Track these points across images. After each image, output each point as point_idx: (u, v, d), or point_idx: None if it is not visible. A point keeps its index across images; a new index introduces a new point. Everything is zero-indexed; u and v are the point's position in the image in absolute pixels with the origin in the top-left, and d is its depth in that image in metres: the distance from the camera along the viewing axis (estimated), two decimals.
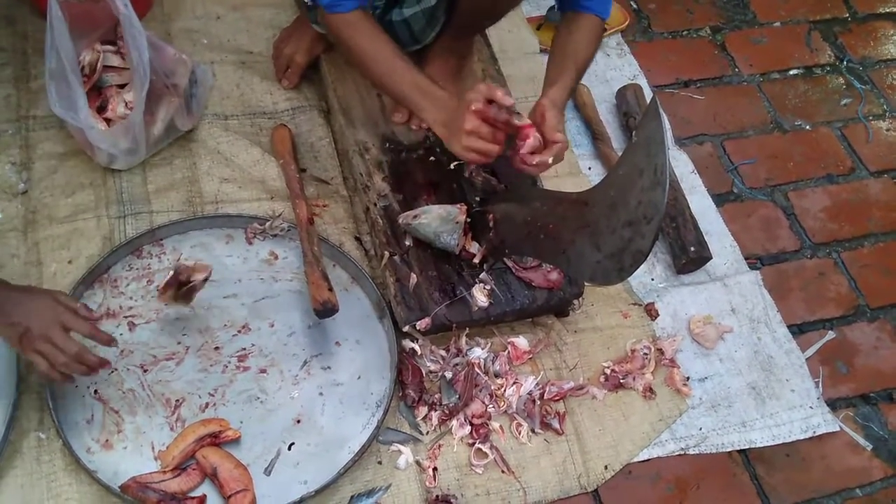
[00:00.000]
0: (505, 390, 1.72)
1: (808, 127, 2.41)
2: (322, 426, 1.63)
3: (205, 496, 1.50)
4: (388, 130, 1.92)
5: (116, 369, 1.61)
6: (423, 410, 1.68)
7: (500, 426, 1.70)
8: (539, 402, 1.72)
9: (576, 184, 2.04)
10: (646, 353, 1.83)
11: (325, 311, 1.66)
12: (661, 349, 1.85)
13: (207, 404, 1.61)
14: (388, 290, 1.73)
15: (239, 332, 1.70)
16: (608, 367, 1.80)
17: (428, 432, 1.68)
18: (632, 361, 1.82)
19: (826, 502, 1.78)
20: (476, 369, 1.72)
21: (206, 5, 2.18)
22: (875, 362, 1.99)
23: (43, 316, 1.40)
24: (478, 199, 1.81)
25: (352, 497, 1.57)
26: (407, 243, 1.75)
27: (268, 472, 1.56)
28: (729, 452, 1.79)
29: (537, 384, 1.74)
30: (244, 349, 1.68)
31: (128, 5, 1.63)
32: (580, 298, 1.82)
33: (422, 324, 1.66)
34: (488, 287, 1.72)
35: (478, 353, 1.74)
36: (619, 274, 1.41)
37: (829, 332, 2.01)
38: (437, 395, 1.69)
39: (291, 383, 1.66)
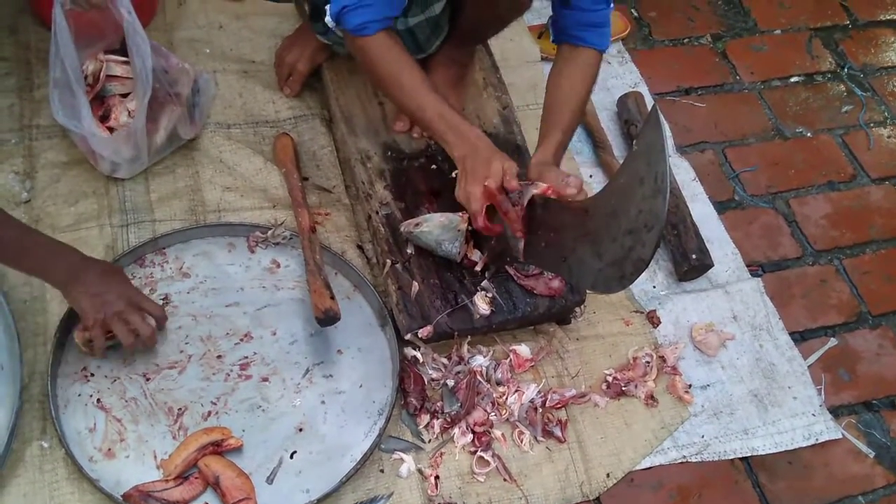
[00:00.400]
0: (507, 398, 1.72)
1: (809, 134, 2.41)
2: (324, 434, 1.63)
3: None
4: (389, 139, 1.93)
5: (119, 378, 1.61)
6: (425, 418, 1.69)
7: (502, 434, 1.70)
8: (541, 410, 1.72)
9: None
10: (648, 361, 1.83)
11: (327, 319, 1.66)
12: (662, 357, 1.85)
13: (210, 413, 1.61)
14: (390, 298, 1.73)
15: (241, 340, 1.70)
16: (610, 375, 1.80)
17: (430, 440, 1.68)
18: (634, 369, 1.82)
19: None
20: (478, 377, 1.72)
21: (209, 15, 2.19)
22: (877, 369, 1.98)
23: (123, 295, 1.53)
24: None
25: None
26: (409, 251, 1.76)
27: (270, 480, 1.56)
28: (731, 460, 1.78)
29: (539, 392, 1.74)
30: (246, 357, 1.68)
31: (132, 12, 1.64)
32: (582, 306, 1.82)
33: (424, 332, 1.66)
34: (490, 295, 1.73)
35: (480, 361, 1.74)
36: (620, 282, 1.41)
37: (831, 339, 2.01)
38: (439, 403, 1.70)
39: (293, 391, 1.66)
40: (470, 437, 1.68)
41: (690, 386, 1.84)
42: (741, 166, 2.29)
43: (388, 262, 1.74)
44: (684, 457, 1.76)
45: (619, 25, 2.44)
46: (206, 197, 1.87)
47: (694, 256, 1.97)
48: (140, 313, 1.55)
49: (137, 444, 1.55)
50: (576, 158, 2.16)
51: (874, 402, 1.94)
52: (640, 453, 1.74)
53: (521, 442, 1.70)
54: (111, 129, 1.79)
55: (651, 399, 1.79)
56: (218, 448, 1.54)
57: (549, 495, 1.66)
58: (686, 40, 2.57)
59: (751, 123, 2.40)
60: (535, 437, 1.71)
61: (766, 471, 1.79)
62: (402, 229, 1.75)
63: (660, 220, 1.28)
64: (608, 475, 1.70)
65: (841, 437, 1.85)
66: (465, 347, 1.75)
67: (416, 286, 1.71)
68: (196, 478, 1.52)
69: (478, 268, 1.75)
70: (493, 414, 1.71)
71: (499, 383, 1.75)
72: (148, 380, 1.62)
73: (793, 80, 2.54)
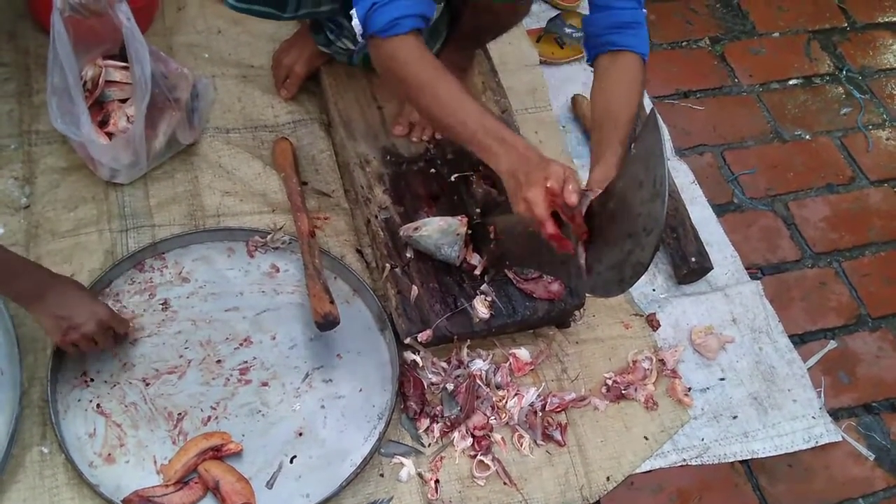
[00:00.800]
0: (506, 402, 1.72)
1: (807, 137, 2.41)
2: (324, 439, 1.63)
3: None
4: (388, 143, 1.93)
5: (119, 383, 1.61)
6: (424, 422, 1.69)
7: (502, 438, 1.70)
8: (541, 414, 1.72)
9: None
10: (647, 364, 1.83)
11: (327, 323, 1.67)
12: (662, 360, 1.85)
13: (209, 418, 1.61)
14: (390, 302, 1.73)
15: (241, 345, 1.70)
16: (610, 378, 1.80)
17: (430, 444, 1.68)
18: (633, 372, 1.82)
19: None
20: (477, 381, 1.72)
21: (208, 19, 2.19)
22: (877, 371, 1.98)
23: (92, 319, 1.51)
24: (478, 210, 1.82)
25: None
26: (408, 255, 1.76)
27: (270, 485, 1.56)
28: (731, 463, 1.78)
29: (539, 395, 1.74)
30: (246, 362, 1.69)
31: (130, 18, 1.64)
32: (581, 309, 1.82)
33: (423, 336, 1.66)
34: (489, 299, 1.73)
35: (479, 365, 1.74)
36: (619, 286, 1.41)
37: (831, 341, 2.01)
38: (438, 408, 1.70)
39: (293, 396, 1.66)
40: (470, 440, 1.68)
41: (690, 389, 1.84)
42: (740, 169, 2.29)
43: (388, 266, 1.74)
44: (684, 460, 1.76)
45: None
46: (205, 202, 1.87)
47: (693, 259, 1.97)
48: (107, 333, 1.55)
49: (137, 450, 1.55)
50: (575, 161, 2.16)
51: (874, 404, 1.94)
52: (639, 456, 1.74)
53: (521, 446, 1.70)
54: (110, 135, 1.79)
55: (651, 402, 1.79)
56: (218, 453, 1.55)
57: (549, 499, 1.66)
58: (684, 43, 2.57)
59: (749, 126, 2.40)
60: (535, 441, 1.71)
61: (766, 474, 1.79)
62: (401, 233, 1.75)
63: (659, 224, 1.28)
64: (608, 478, 1.70)
65: (841, 439, 1.85)
66: (465, 351, 1.75)
67: (415, 290, 1.71)
68: (196, 483, 1.52)
69: (477, 271, 1.75)
70: (492, 418, 1.71)
71: (498, 387, 1.75)
72: (147, 385, 1.62)
73: (791, 82, 2.54)
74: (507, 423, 1.72)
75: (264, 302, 1.77)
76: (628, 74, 1.57)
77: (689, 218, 2.05)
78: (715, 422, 1.81)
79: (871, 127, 2.47)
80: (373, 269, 1.85)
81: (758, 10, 2.69)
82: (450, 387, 1.71)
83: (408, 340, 1.68)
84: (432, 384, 1.72)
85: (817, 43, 2.66)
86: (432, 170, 1.89)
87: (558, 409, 1.74)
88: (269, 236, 1.82)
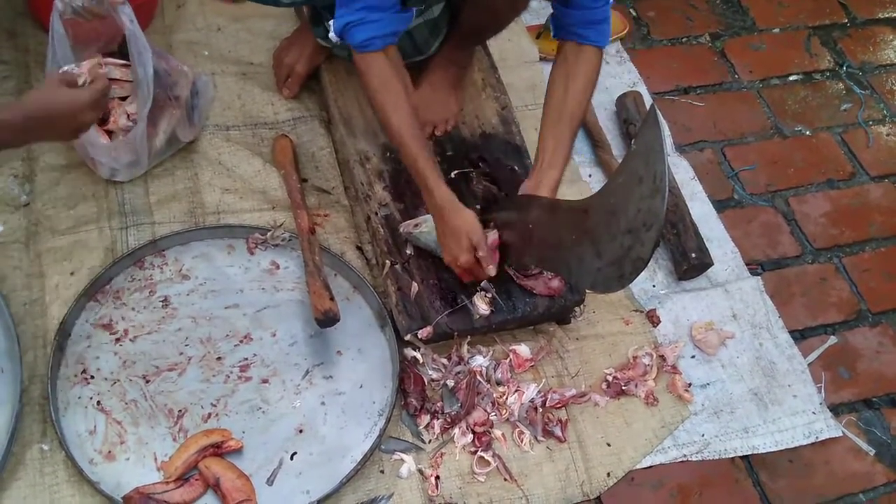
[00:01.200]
0: (507, 398, 1.72)
1: (808, 132, 2.41)
2: (324, 435, 1.63)
3: None
4: (388, 140, 1.93)
5: (119, 380, 1.62)
6: (425, 419, 1.69)
7: (503, 434, 1.70)
8: (541, 410, 1.72)
9: (576, 191, 2.05)
10: (648, 360, 1.83)
11: (327, 320, 1.67)
12: (662, 356, 1.85)
13: (210, 415, 1.61)
14: (390, 298, 1.73)
15: (241, 342, 1.71)
16: (610, 374, 1.80)
17: (430, 441, 1.68)
18: (634, 368, 1.82)
19: None
20: (478, 377, 1.72)
21: (207, 17, 2.19)
22: (877, 367, 1.98)
23: (49, 93, 1.44)
24: (478, 207, 1.81)
25: None
26: (408, 252, 1.76)
27: (270, 481, 1.56)
28: (731, 459, 1.78)
29: (539, 392, 1.74)
30: (246, 359, 1.69)
31: (134, 21, 1.64)
32: (581, 306, 1.82)
33: (423, 332, 1.66)
34: (489, 295, 1.73)
35: (479, 361, 1.74)
36: (619, 281, 1.41)
37: (831, 337, 2.01)
38: (439, 404, 1.70)
39: (293, 393, 1.66)
40: (470, 437, 1.68)
41: (690, 385, 1.84)
42: (740, 165, 2.29)
43: (388, 262, 1.74)
44: (685, 455, 1.76)
45: (618, 25, 2.44)
46: (205, 199, 1.87)
47: (693, 255, 1.97)
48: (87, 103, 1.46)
49: (138, 447, 1.56)
50: (575, 158, 2.16)
51: (874, 399, 1.94)
52: (640, 452, 1.74)
53: (522, 442, 1.70)
54: (110, 133, 1.78)
55: (651, 398, 1.79)
56: (218, 450, 1.55)
57: (550, 495, 1.66)
58: (685, 39, 2.57)
59: (750, 122, 2.40)
60: (536, 437, 1.71)
61: (766, 469, 1.79)
62: (401, 230, 1.75)
63: (659, 219, 1.28)
64: (609, 474, 1.70)
65: (841, 435, 1.85)
66: (465, 347, 1.75)
67: (415, 287, 1.71)
68: (196, 479, 1.52)
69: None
70: (493, 414, 1.71)
71: (499, 383, 1.75)
72: (148, 382, 1.63)
73: (791, 78, 2.54)
74: (508, 419, 1.72)
75: (264, 299, 1.77)
76: (589, 67, 1.70)
77: (690, 214, 2.05)
78: (715, 417, 1.81)
79: (871, 123, 2.46)
80: (373, 265, 1.85)
81: (758, 6, 2.68)
82: (450, 383, 1.71)
83: (408, 337, 1.68)
84: (433, 380, 1.72)
85: (817, 39, 2.65)
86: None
87: (559, 406, 1.74)
88: (269, 233, 1.82)
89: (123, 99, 1.82)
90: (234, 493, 1.50)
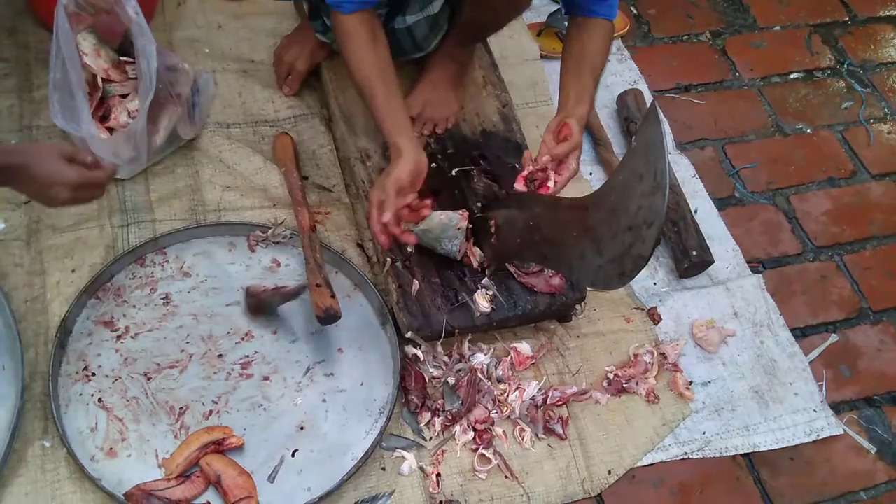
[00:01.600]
0: (508, 396, 1.72)
1: (809, 130, 2.41)
2: (325, 433, 1.63)
3: (209, 503, 1.50)
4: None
5: (120, 377, 1.61)
6: (426, 416, 1.69)
7: (504, 431, 1.70)
8: (542, 408, 1.72)
9: (577, 189, 2.04)
10: (649, 358, 1.83)
11: (328, 317, 1.66)
12: (663, 353, 1.85)
13: (211, 412, 1.61)
14: (391, 296, 1.73)
15: (242, 339, 1.71)
16: (611, 372, 1.81)
17: (431, 438, 1.68)
18: (635, 366, 1.82)
19: None
20: (479, 375, 1.72)
21: (208, 14, 2.19)
22: (878, 365, 1.98)
23: (42, 152, 1.37)
24: (479, 205, 1.82)
25: (356, 503, 1.58)
26: (409, 250, 1.75)
27: (271, 479, 1.56)
28: (732, 456, 1.78)
29: (540, 389, 1.74)
30: (247, 356, 1.69)
31: (139, 13, 1.64)
32: (582, 303, 1.82)
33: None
34: (490, 293, 1.73)
35: (480, 359, 1.74)
36: (620, 279, 1.41)
37: (832, 335, 2.01)
38: (440, 401, 1.70)
39: (294, 390, 1.66)
40: (471, 434, 1.68)
41: (691, 382, 1.84)
42: (741, 163, 2.29)
43: (389, 260, 1.74)
44: (686, 453, 1.76)
45: (619, 23, 2.43)
46: (206, 196, 1.87)
47: (694, 253, 1.97)
48: (69, 165, 1.37)
49: (139, 444, 1.56)
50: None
51: (875, 397, 1.94)
52: (641, 450, 1.74)
53: (523, 439, 1.70)
54: (111, 130, 1.79)
55: (652, 396, 1.79)
56: (219, 447, 1.55)
57: (551, 492, 1.66)
58: (685, 37, 2.57)
59: (751, 120, 2.40)
60: (537, 435, 1.71)
61: (767, 467, 1.79)
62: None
63: (659, 217, 1.28)
64: (609, 472, 1.70)
65: (842, 433, 1.85)
66: (466, 345, 1.75)
67: (416, 284, 1.71)
68: (198, 477, 1.52)
69: (477, 265, 1.75)
70: (494, 411, 1.71)
71: (500, 381, 1.75)
72: (149, 379, 1.63)
73: (792, 76, 2.54)
74: (509, 416, 1.72)
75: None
76: (601, 38, 1.74)
77: (691, 212, 2.05)
78: (716, 415, 1.81)
79: (872, 121, 2.46)
80: (374, 263, 1.85)
81: (759, 4, 2.69)
82: (451, 381, 1.71)
83: (409, 335, 1.68)
84: (433, 378, 1.72)
85: (818, 37, 2.65)
86: (433, 164, 1.89)
87: (559, 403, 1.74)
88: (270, 231, 1.82)
89: (124, 97, 1.82)
90: (236, 490, 1.50)
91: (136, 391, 1.61)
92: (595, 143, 2.19)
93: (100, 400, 1.59)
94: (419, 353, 1.71)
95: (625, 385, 1.79)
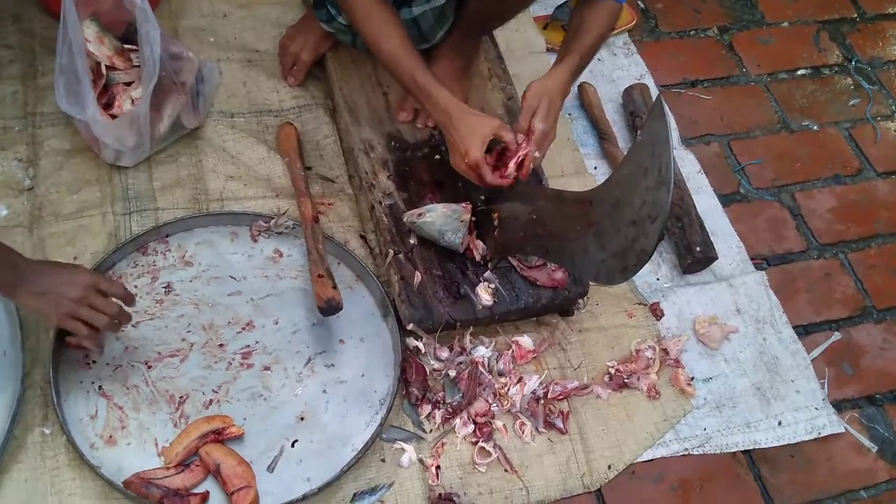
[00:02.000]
0: (509, 389, 1.72)
1: (815, 127, 2.40)
2: (325, 424, 1.63)
3: (208, 493, 1.50)
4: (393, 129, 1.92)
5: (121, 365, 1.61)
6: (426, 408, 1.68)
7: (504, 425, 1.70)
8: (543, 402, 1.72)
9: (581, 183, 2.04)
10: (650, 354, 1.82)
11: (330, 308, 1.66)
12: (665, 349, 1.85)
13: (211, 401, 1.61)
14: (393, 288, 1.73)
15: (243, 329, 1.70)
16: (612, 367, 1.80)
17: (431, 430, 1.68)
18: (636, 361, 1.82)
19: None
20: (480, 368, 1.71)
21: (213, 4, 2.18)
22: (881, 364, 1.98)
23: (76, 283, 1.44)
24: (483, 197, 1.81)
25: (355, 495, 1.58)
26: (412, 242, 1.75)
27: (271, 469, 1.56)
28: (733, 453, 1.78)
29: (541, 383, 1.74)
30: (248, 346, 1.68)
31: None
32: (585, 298, 1.82)
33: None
34: (493, 286, 1.72)
35: (482, 352, 1.74)
36: (623, 273, 1.40)
37: (835, 333, 2.00)
38: (440, 394, 1.70)
39: (295, 381, 1.66)
40: (471, 427, 1.68)
41: (693, 378, 1.83)
42: (747, 159, 2.28)
43: (391, 252, 1.74)
44: (686, 449, 1.75)
45: (626, 17, 2.43)
46: (209, 186, 1.87)
47: (698, 249, 1.96)
48: (100, 295, 1.47)
49: (139, 432, 1.56)
50: (581, 150, 2.15)
51: (877, 396, 1.93)
52: (641, 445, 1.73)
53: (523, 433, 1.69)
54: (114, 118, 1.78)
55: (653, 391, 1.79)
56: (219, 436, 1.55)
57: (551, 486, 1.66)
58: (692, 32, 2.56)
59: (757, 116, 2.39)
60: (537, 429, 1.70)
61: (768, 464, 1.78)
62: (405, 219, 1.74)
63: (663, 212, 1.28)
64: (610, 467, 1.70)
65: (844, 431, 1.85)
66: (468, 338, 1.75)
67: (418, 276, 1.71)
68: (197, 465, 1.52)
69: (480, 258, 1.74)
70: (494, 405, 1.71)
71: (501, 374, 1.74)
72: (150, 367, 1.62)
73: (800, 73, 2.53)
74: (509, 410, 1.71)
75: (267, 286, 1.77)
76: (603, 16, 1.73)
77: (695, 207, 2.04)
78: (717, 412, 1.81)
79: (879, 118, 2.45)
80: (376, 254, 1.85)
81: (767, 0, 2.67)
82: (452, 373, 1.71)
83: (410, 327, 1.67)
84: (434, 370, 1.72)
85: (826, 33, 2.64)
86: (437, 156, 1.89)
87: (560, 397, 1.74)
88: (272, 221, 1.82)
89: (128, 85, 1.82)
90: (235, 480, 1.50)
91: (136, 379, 1.61)
92: (600, 137, 2.19)
93: (100, 388, 1.59)
94: (420, 346, 1.71)
95: (626, 380, 1.78)
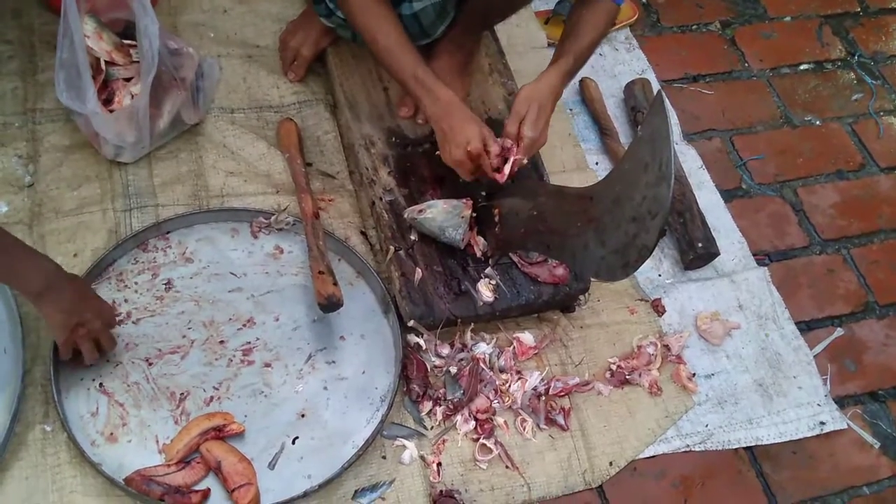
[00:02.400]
0: (510, 386, 1.72)
1: (818, 122, 2.39)
2: (326, 420, 1.62)
3: (209, 490, 1.50)
4: (393, 125, 1.92)
5: (121, 362, 1.61)
6: (427, 405, 1.68)
7: (505, 421, 1.70)
8: (544, 398, 1.72)
9: (583, 179, 2.04)
10: (652, 350, 1.82)
11: (330, 305, 1.66)
12: (667, 345, 1.84)
13: (212, 398, 1.61)
14: (393, 284, 1.72)
15: (244, 325, 1.70)
16: (614, 363, 1.80)
17: (432, 427, 1.67)
18: (638, 357, 1.81)
19: (833, 500, 1.77)
20: (481, 364, 1.71)
21: None
22: (883, 359, 1.97)
23: (94, 311, 1.50)
24: (483, 193, 1.80)
25: (356, 492, 1.57)
26: (412, 238, 1.75)
27: (272, 466, 1.56)
28: (735, 449, 1.78)
29: (542, 380, 1.74)
30: (249, 343, 1.68)
31: None
32: (586, 294, 1.82)
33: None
34: (493, 282, 1.72)
35: (483, 349, 1.74)
36: (623, 269, 1.40)
37: (838, 329, 1.99)
38: (441, 390, 1.69)
39: (296, 377, 1.66)
40: (472, 424, 1.67)
41: (695, 375, 1.83)
42: (749, 154, 2.27)
43: (392, 248, 1.73)
44: (688, 446, 1.75)
45: (628, 12, 2.42)
46: (209, 182, 1.87)
47: (700, 245, 1.96)
48: (107, 330, 1.54)
49: (139, 429, 1.55)
50: (582, 145, 2.15)
51: (880, 392, 1.93)
52: (643, 442, 1.73)
53: (524, 429, 1.69)
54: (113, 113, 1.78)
55: (655, 388, 1.78)
56: (220, 433, 1.55)
57: (552, 483, 1.65)
58: (694, 27, 2.55)
59: (759, 111, 2.38)
60: (538, 425, 1.70)
61: (770, 460, 1.78)
62: (405, 216, 1.74)
63: (664, 207, 1.27)
64: (611, 463, 1.69)
65: (846, 427, 1.84)
66: (469, 334, 1.74)
67: (419, 273, 1.70)
68: (198, 463, 1.52)
69: (480, 254, 1.74)
70: (495, 401, 1.70)
71: (502, 371, 1.74)
72: (150, 364, 1.62)
73: (802, 67, 2.52)
74: (511, 406, 1.71)
75: (268, 283, 1.76)
76: (599, 17, 1.73)
77: (697, 203, 2.04)
78: (719, 408, 1.80)
79: (882, 113, 2.44)
80: (377, 251, 1.84)
81: None
82: (453, 370, 1.70)
83: (411, 323, 1.67)
84: (435, 367, 1.72)
85: (829, 28, 2.63)
86: (437, 152, 1.88)
87: (562, 394, 1.73)
88: (273, 217, 1.81)
89: (128, 80, 1.81)
90: (236, 477, 1.50)
91: (137, 376, 1.61)
92: (601, 132, 2.18)
93: (101, 385, 1.58)
94: (421, 342, 1.70)
95: (628, 376, 1.78)
